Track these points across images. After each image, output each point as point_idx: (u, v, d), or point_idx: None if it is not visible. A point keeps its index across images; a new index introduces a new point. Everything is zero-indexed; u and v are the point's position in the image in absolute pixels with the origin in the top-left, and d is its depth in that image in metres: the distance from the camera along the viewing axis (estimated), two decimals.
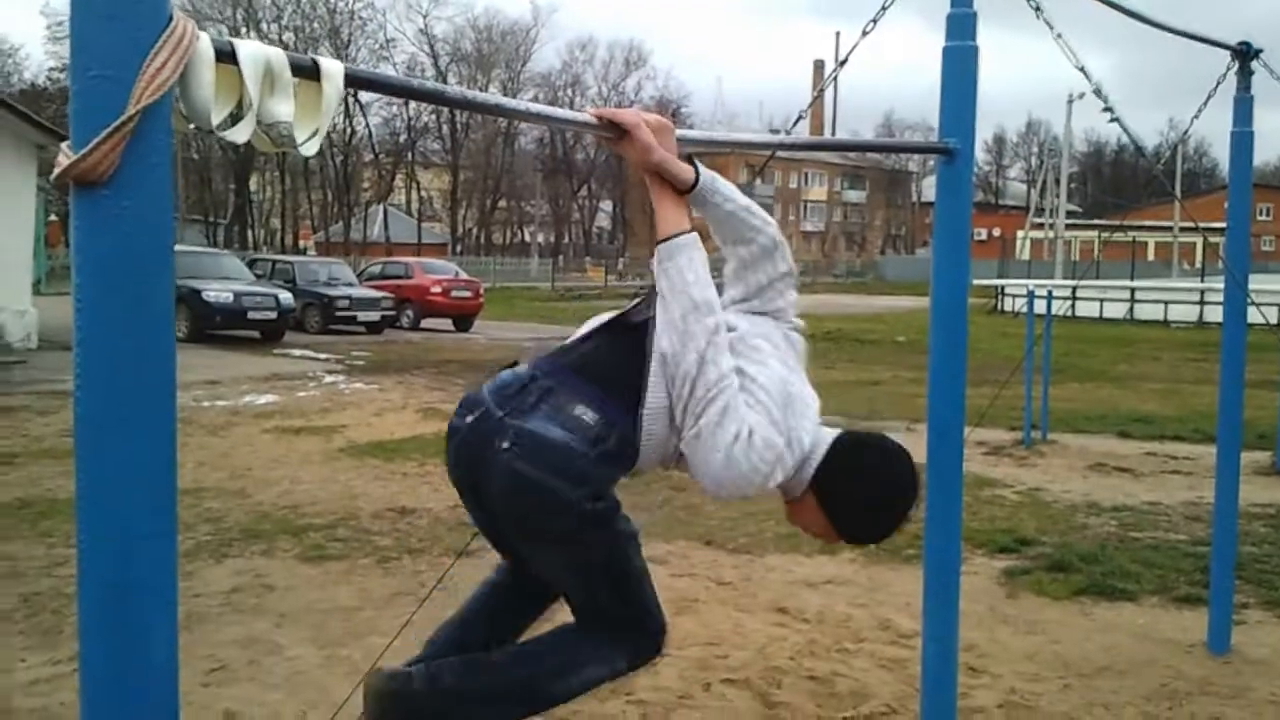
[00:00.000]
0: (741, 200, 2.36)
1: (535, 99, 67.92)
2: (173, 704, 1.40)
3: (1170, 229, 47.80)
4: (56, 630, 4.72)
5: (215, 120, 1.35)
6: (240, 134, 1.39)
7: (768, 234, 2.42)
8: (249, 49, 1.37)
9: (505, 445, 2.22)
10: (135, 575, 1.34)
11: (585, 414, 2.23)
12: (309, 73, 1.45)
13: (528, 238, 77.38)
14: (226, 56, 1.35)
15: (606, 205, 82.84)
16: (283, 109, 1.40)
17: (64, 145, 1.26)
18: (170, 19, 1.27)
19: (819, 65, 56.91)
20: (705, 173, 2.30)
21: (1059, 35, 2.89)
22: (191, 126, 1.36)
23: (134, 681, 1.36)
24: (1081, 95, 38.95)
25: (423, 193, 71.72)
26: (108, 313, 1.28)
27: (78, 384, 1.29)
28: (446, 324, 26.14)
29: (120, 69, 1.25)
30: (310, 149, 1.46)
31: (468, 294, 26.59)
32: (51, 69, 58.67)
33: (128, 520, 1.32)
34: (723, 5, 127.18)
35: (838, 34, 68.23)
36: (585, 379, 2.28)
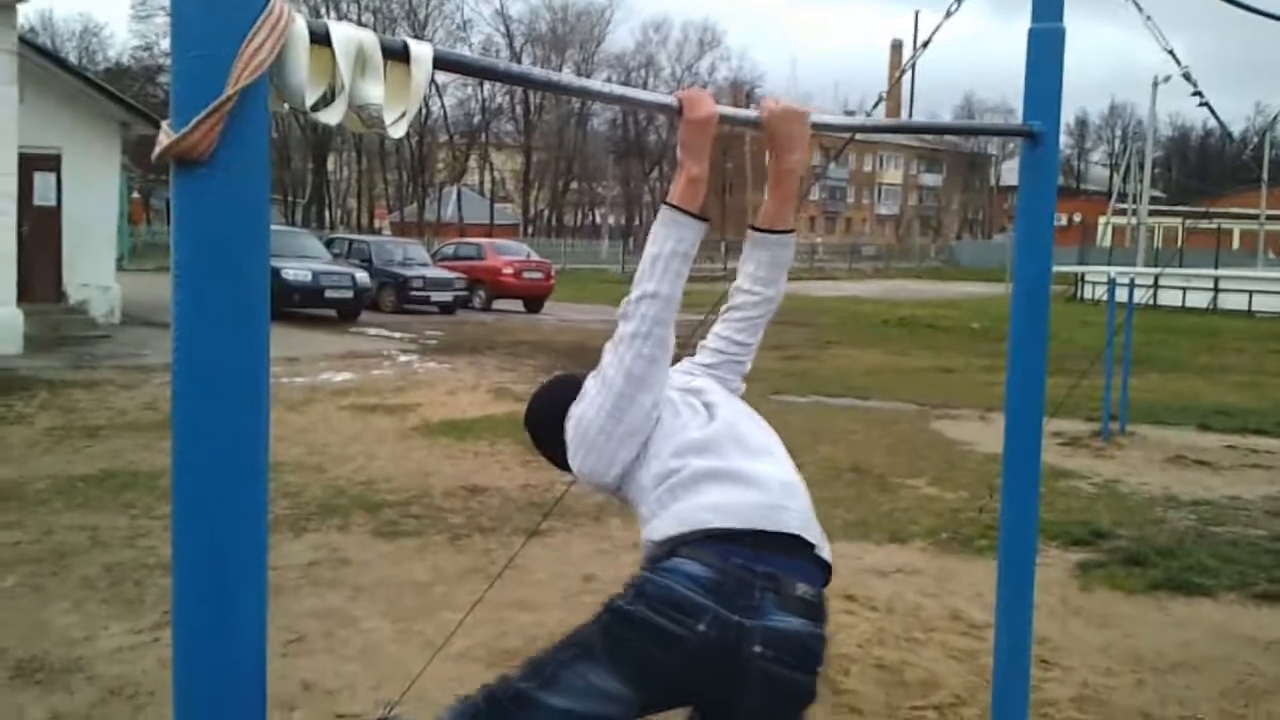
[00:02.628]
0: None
1: (609, 79, 67.98)
2: (261, 674, 1.43)
3: (1256, 217, 46.53)
4: (139, 600, 4.85)
5: (309, 101, 1.38)
6: (333, 115, 1.41)
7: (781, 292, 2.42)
8: (342, 31, 1.39)
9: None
10: (227, 547, 1.37)
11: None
12: (399, 55, 1.47)
13: (599, 219, 77.50)
14: (321, 39, 1.37)
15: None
16: (374, 91, 1.42)
17: (164, 124, 1.29)
18: (267, 1, 1.29)
19: (897, 45, 56.19)
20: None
21: (1149, 18, 2.83)
22: (286, 107, 1.39)
23: (224, 651, 1.39)
24: (1167, 78, 37.96)
25: (496, 174, 72.12)
26: (205, 288, 1.31)
27: (175, 358, 1.33)
28: (518, 305, 26.31)
29: (219, 49, 1.27)
30: (399, 131, 1.48)
31: (539, 275, 26.73)
32: (135, 48, 60.07)
33: (221, 493, 1.36)
34: None
35: (916, 13, 67.29)
36: None
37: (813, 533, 2.08)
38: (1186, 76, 3.12)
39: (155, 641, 4.35)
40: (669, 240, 2.11)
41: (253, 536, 1.41)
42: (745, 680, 1.94)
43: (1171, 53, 2.94)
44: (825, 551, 2.10)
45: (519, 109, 67.88)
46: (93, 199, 17.13)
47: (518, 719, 1.98)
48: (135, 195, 45.85)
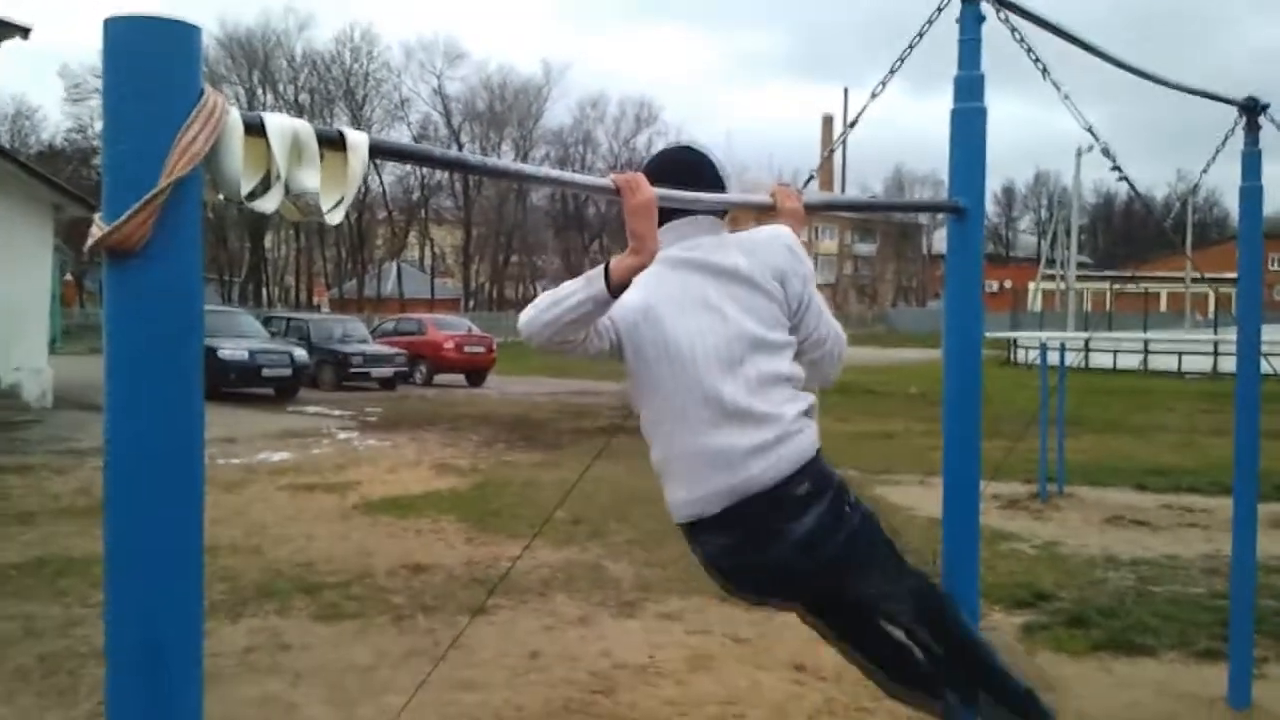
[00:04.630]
0: None
1: (547, 155, 68.47)
2: None
3: (1182, 279, 47.74)
4: (73, 690, 4.72)
5: (244, 191, 1.39)
6: (269, 204, 1.43)
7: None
8: (277, 122, 1.41)
9: None
10: (162, 636, 1.36)
11: None
12: (335, 144, 1.49)
13: (540, 292, 77.63)
14: (255, 129, 1.39)
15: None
16: (310, 179, 1.44)
17: (96, 217, 1.29)
18: (202, 93, 1.31)
19: (828, 120, 57.27)
20: None
21: (1066, 96, 2.93)
22: (220, 197, 1.40)
23: None
24: (1090, 148, 39.08)
25: (436, 249, 72.15)
26: (138, 379, 1.31)
27: (107, 448, 1.32)
28: (460, 379, 26.20)
29: (152, 142, 1.29)
30: (335, 218, 1.50)
31: (481, 349, 26.68)
32: (69, 130, 59.54)
33: (155, 584, 1.34)
34: (729, 63, 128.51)
35: (845, 90, 68.77)
36: None
37: None
38: (1105, 152, 3.23)
39: None
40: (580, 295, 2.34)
41: (188, 624, 1.39)
42: None
43: (1090, 129, 3.05)
44: None
45: (458, 185, 68.11)
46: (25, 282, 16.88)
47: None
48: (68, 277, 45.23)
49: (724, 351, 2.52)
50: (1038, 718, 2.84)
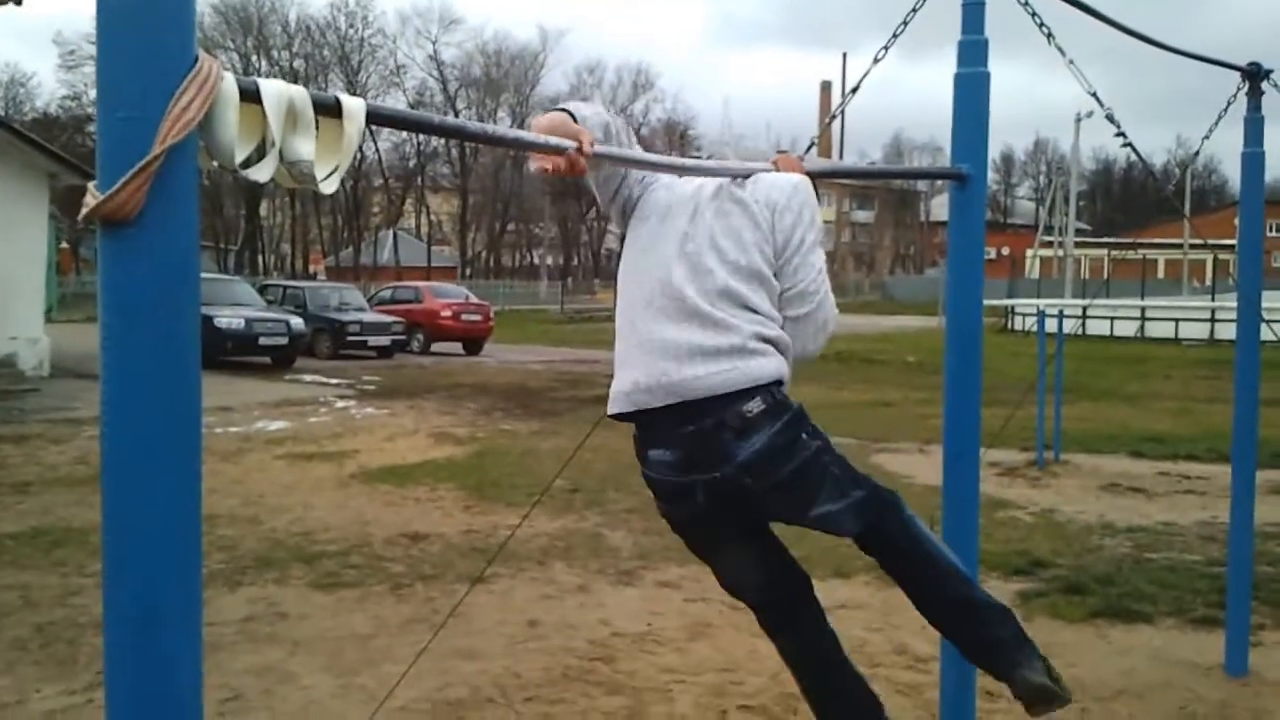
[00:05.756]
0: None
1: None
2: None
3: (1180, 246, 47.67)
4: (72, 660, 4.73)
5: (239, 159, 1.37)
6: (263, 172, 1.41)
7: None
8: (272, 88, 1.38)
9: None
10: (160, 605, 1.35)
11: None
12: (331, 110, 1.47)
13: (537, 260, 77.53)
14: (250, 95, 1.37)
15: (615, 227, 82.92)
16: (304, 147, 1.42)
17: (90, 185, 1.27)
18: (196, 60, 1.29)
19: (826, 86, 56.93)
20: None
21: (1071, 61, 2.90)
22: (215, 164, 1.38)
23: (160, 713, 1.36)
24: (1090, 114, 38.95)
25: (432, 217, 71.93)
26: (134, 348, 1.29)
27: (104, 419, 1.31)
28: (457, 348, 26.16)
29: (146, 109, 1.26)
30: (330, 186, 1.47)
31: (477, 317, 26.63)
32: (64, 97, 59.15)
33: (153, 554, 1.33)
34: (725, 29, 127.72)
35: (844, 55, 68.47)
36: None
37: None
38: (1110, 118, 3.20)
39: (89, 703, 4.24)
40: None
41: (186, 593, 1.38)
42: None
43: (1095, 95, 3.02)
44: None
45: (454, 152, 67.82)
46: (20, 250, 16.82)
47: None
48: (64, 245, 45.08)
49: (696, 259, 2.60)
50: (1007, 641, 2.60)
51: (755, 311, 2.60)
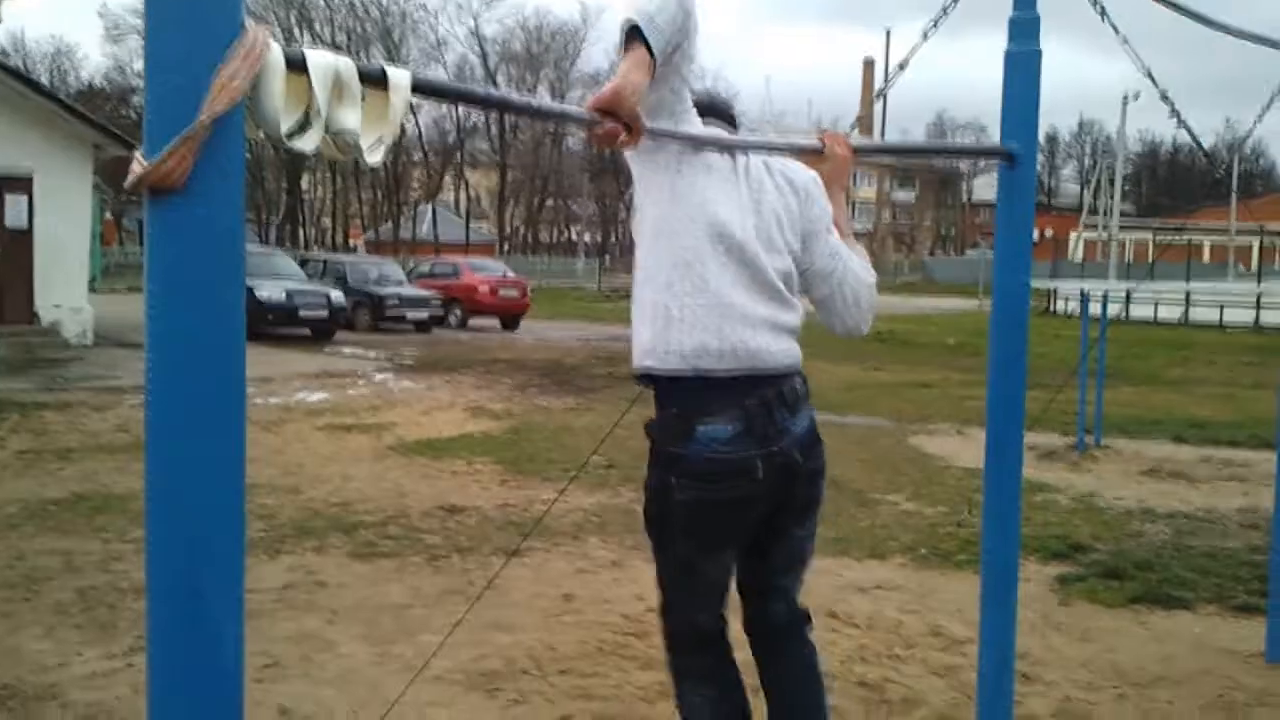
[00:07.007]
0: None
1: (583, 98, 67.86)
2: (238, 703, 1.41)
3: (1226, 230, 46.90)
4: (112, 625, 4.79)
5: (284, 129, 1.37)
6: (308, 143, 1.40)
7: None
8: (319, 59, 1.38)
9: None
10: (202, 572, 1.35)
11: None
12: (376, 81, 1.46)
13: (574, 237, 77.53)
14: (297, 65, 1.36)
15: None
16: (350, 118, 1.42)
17: (137, 153, 1.27)
18: (242, 28, 1.28)
19: (869, 63, 56.27)
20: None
21: (1125, 40, 2.85)
22: (261, 134, 1.38)
23: (200, 677, 1.37)
24: (1137, 95, 38.28)
25: (471, 192, 72.01)
26: (179, 319, 1.29)
27: (149, 387, 1.31)
28: (494, 323, 26.26)
29: (193, 78, 1.26)
30: (376, 158, 1.47)
31: (515, 293, 26.70)
32: (108, 69, 59.69)
33: (196, 523, 1.34)
34: (769, 2, 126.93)
35: (888, 31, 67.73)
36: None
37: None
38: (1164, 97, 3.15)
39: (129, 667, 4.30)
40: None
41: (228, 561, 1.39)
42: None
43: (1149, 74, 2.97)
44: None
45: (494, 128, 67.83)
46: (65, 220, 17.04)
47: None
48: (108, 216, 45.57)
49: (767, 233, 2.60)
50: None
51: (795, 296, 2.69)
